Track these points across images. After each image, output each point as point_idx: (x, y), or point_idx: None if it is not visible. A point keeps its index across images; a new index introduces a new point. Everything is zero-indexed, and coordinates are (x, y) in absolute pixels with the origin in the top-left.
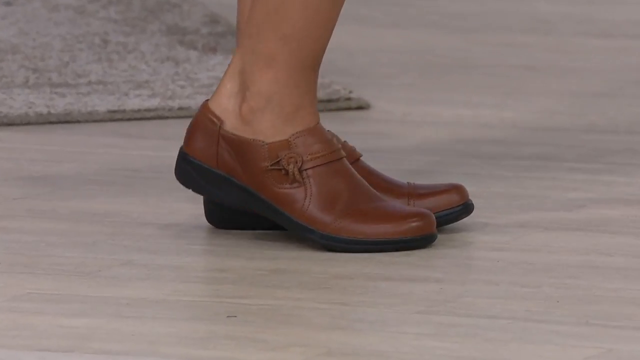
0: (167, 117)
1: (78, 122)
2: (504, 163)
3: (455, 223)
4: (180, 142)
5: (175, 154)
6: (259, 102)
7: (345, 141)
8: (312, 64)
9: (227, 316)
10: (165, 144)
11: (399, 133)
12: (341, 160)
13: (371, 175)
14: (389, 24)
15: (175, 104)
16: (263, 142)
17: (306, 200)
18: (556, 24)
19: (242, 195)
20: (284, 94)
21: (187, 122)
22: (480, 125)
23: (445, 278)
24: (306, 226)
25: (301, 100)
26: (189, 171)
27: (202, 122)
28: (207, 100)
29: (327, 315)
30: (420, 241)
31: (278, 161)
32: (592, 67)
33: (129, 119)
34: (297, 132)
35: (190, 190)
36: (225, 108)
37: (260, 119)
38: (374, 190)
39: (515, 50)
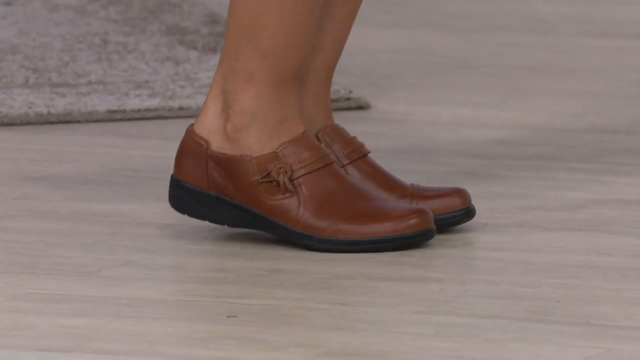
0: (167, 117)
1: (78, 122)
2: (504, 163)
3: None
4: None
5: (174, 154)
6: (243, 119)
7: (354, 137)
8: (293, 76)
9: (227, 316)
10: (165, 144)
11: (399, 133)
12: (331, 165)
13: (377, 173)
14: (389, 24)
15: (175, 104)
16: (251, 156)
17: (300, 208)
18: (556, 24)
19: (236, 212)
20: (267, 109)
21: (187, 122)
22: (480, 125)
23: (445, 278)
24: (303, 233)
25: (285, 113)
26: (182, 196)
27: (189, 146)
28: (192, 124)
29: (327, 315)
30: (418, 237)
31: (268, 173)
32: (592, 67)
33: (129, 119)
34: (283, 143)
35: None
36: (210, 129)
37: (246, 136)
38: (368, 191)
39: (515, 50)
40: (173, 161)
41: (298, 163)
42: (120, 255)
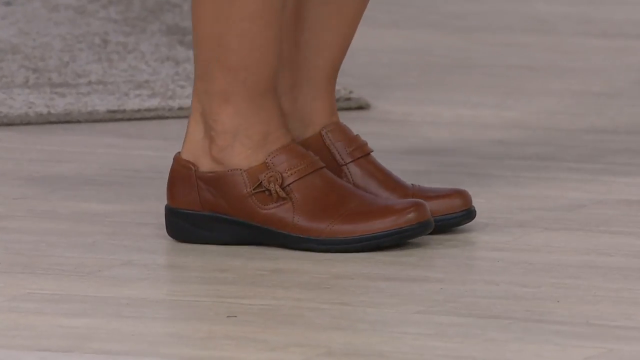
0: (167, 117)
1: (78, 122)
2: (504, 163)
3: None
4: (180, 143)
5: (174, 154)
6: (226, 139)
7: (357, 135)
8: (267, 87)
9: (227, 316)
10: (166, 144)
11: (398, 133)
12: (321, 169)
13: (379, 173)
14: (389, 24)
15: (176, 103)
16: (241, 169)
17: (295, 213)
18: (556, 24)
19: (233, 228)
20: (248, 124)
21: (187, 123)
22: (481, 126)
23: (445, 278)
24: (301, 237)
25: (267, 127)
26: (177, 222)
27: (178, 172)
28: (179, 152)
29: (328, 315)
30: (417, 230)
31: (259, 184)
32: (592, 67)
33: (129, 119)
34: (272, 152)
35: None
36: (196, 154)
37: (231, 155)
38: (360, 190)
39: (515, 50)
40: (172, 162)
41: (288, 170)
42: (120, 255)
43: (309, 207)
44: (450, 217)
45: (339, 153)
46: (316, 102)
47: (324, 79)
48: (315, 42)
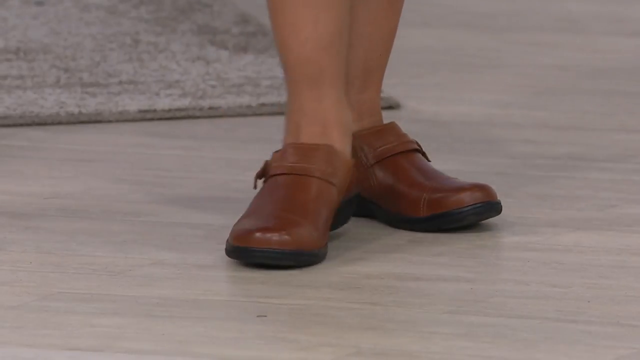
0: (197, 117)
1: (109, 121)
2: (534, 163)
3: (486, 222)
4: (211, 142)
5: (205, 154)
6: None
7: (389, 134)
8: (318, 78)
9: (258, 316)
10: (196, 144)
11: (429, 133)
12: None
13: (399, 174)
14: (419, 23)
15: (206, 103)
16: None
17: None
18: (587, 23)
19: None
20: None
21: (217, 122)
22: (511, 125)
23: (475, 278)
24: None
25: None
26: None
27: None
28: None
29: (357, 315)
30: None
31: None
32: (623, 67)
33: (159, 119)
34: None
35: (232, 192)
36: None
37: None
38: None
39: (546, 50)
40: (203, 160)
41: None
42: (150, 254)
43: None
44: (471, 209)
45: (365, 156)
46: (362, 95)
47: (365, 71)
48: (361, 34)
